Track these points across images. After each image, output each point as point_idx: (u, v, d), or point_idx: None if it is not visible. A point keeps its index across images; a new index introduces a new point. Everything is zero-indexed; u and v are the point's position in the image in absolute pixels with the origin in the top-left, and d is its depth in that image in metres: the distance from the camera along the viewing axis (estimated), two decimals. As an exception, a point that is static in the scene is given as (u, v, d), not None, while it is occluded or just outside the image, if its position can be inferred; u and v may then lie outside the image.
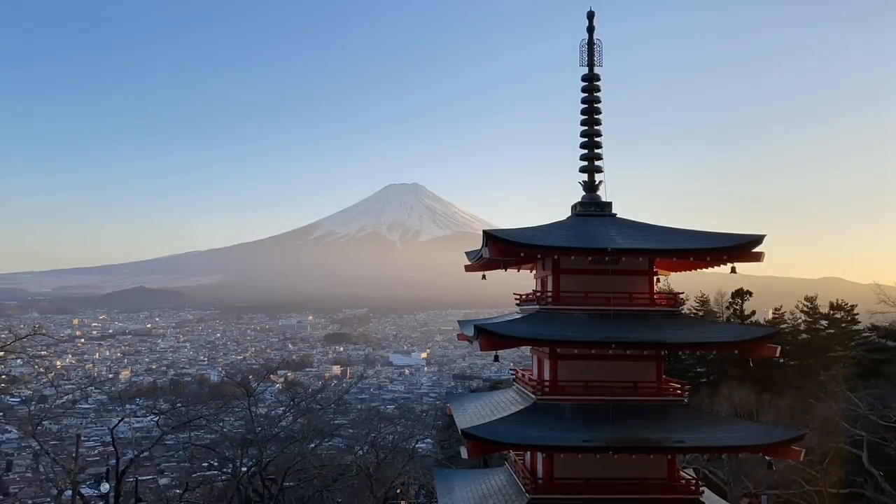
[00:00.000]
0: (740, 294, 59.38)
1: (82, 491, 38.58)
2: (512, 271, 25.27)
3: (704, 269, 22.95)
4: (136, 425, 71.22)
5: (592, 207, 23.58)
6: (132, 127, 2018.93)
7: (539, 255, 22.50)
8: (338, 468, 47.90)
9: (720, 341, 22.78)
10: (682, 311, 23.76)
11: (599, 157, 23.57)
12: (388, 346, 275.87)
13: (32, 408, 56.95)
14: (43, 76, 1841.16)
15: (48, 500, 58.76)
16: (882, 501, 37.08)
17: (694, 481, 22.50)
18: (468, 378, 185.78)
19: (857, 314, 59.30)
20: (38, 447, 45.19)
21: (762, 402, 43.13)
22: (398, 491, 48.62)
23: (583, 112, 23.53)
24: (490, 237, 20.92)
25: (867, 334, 55.82)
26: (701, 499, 21.59)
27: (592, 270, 21.71)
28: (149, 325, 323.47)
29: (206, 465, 52.88)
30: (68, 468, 38.24)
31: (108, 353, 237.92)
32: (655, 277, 23.03)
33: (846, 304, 59.73)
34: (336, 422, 60.06)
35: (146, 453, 46.17)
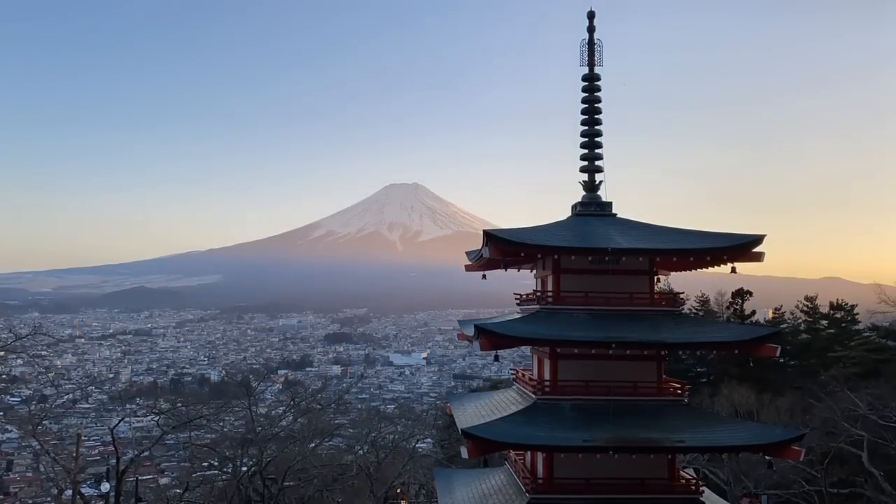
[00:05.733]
0: (740, 294, 59.42)
1: (83, 490, 38.57)
2: (512, 271, 25.31)
3: (704, 269, 22.97)
4: (137, 425, 71.35)
5: (593, 207, 23.60)
6: (132, 127, 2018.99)
7: (539, 255, 22.52)
8: (338, 468, 47.95)
9: (720, 341, 22.79)
10: (683, 311, 23.78)
11: (600, 157, 23.58)
12: (388, 346, 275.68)
13: (33, 407, 57.03)
14: (42, 75, 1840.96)
15: (48, 499, 58.78)
16: (882, 501, 37.12)
17: (694, 481, 22.52)
18: (468, 378, 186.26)
19: (858, 314, 59.28)
20: (39, 447, 45.25)
21: (762, 402, 43.15)
22: (398, 491, 48.67)
23: (583, 112, 23.54)
24: (490, 237, 20.93)
25: (867, 334, 55.78)
26: (701, 499, 21.60)
27: (593, 270, 21.70)
28: (149, 325, 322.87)
29: (206, 464, 52.86)
30: (69, 468, 38.29)
31: (108, 352, 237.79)
32: (656, 277, 23.05)
33: (846, 304, 59.69)
34: (336, 421, 60.08)
35: (146, 453, 46.19)
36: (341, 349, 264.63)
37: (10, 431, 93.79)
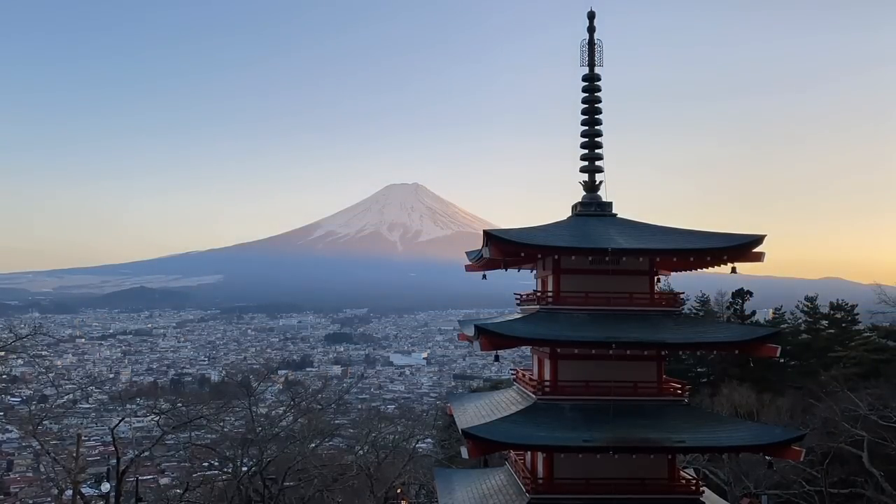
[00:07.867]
0: (740, 294, 59.37)
1: (83, 490, 38.60)
2: (512, 271, 25.32)
3: (704, 269, 22.98)
4: (137, 425, 71.32)
5: (593, 207, 23.60)
6: (132, 127, 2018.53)
7: (539, 255, 22.53)
8: (338, 468, 47.98)
9: (720, 341, 22.79)
10: (683, 311, 23.79)
11: (600, 157, 23.60)
12: (388, 346, 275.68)
13: (33, 407, 57.10)
14: (42, 74, 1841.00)
15: (49, 499, 58.70)
16: (882, 502, 37.12)
17: (694, 481, 22.53)
18: (468, 378, 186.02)
19: (858, 314, 59.26)
20: (39, 447, 45.26)
21: (762, 402, 43.12)
22: (398, 491, 48.66)
23: (583, 112, 23.55)
24: (490, 237, 20.94)
25: (868, 334, 55.74)
26: (701, 499, 21.61)
27: (593, 270, 21.71)
28: (149, 325, 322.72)
29: (206, 464, 52.85)
30: (69, 468, 38.28)
31: (108, 352, 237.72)
32: (656, 277, 23.06)
33: (846, 304, 59.63)
34: (336, 422, 60.19)
35: (147, 453, 46.26)
36: (341, 349, 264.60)
37: (11, 431, 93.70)
